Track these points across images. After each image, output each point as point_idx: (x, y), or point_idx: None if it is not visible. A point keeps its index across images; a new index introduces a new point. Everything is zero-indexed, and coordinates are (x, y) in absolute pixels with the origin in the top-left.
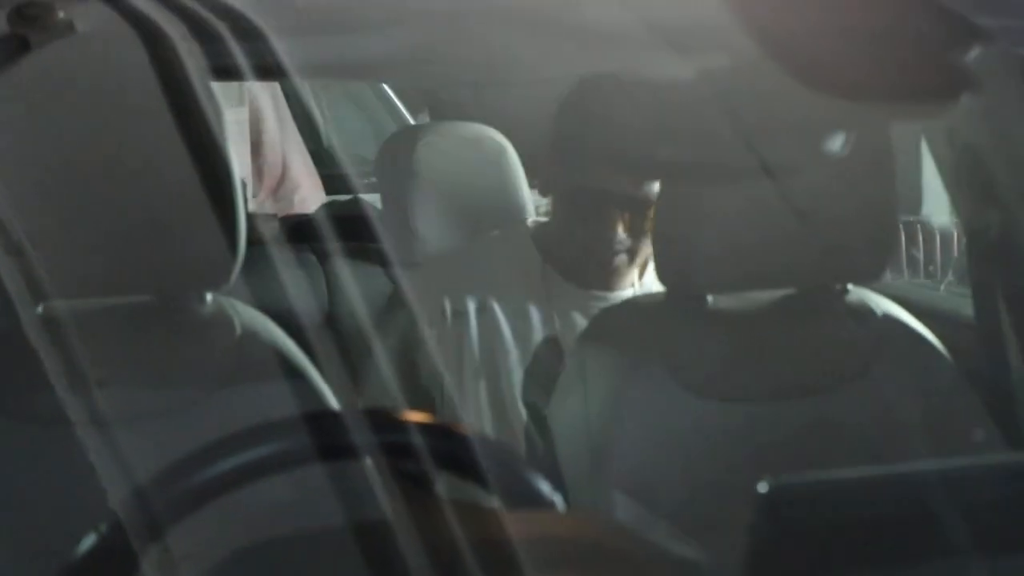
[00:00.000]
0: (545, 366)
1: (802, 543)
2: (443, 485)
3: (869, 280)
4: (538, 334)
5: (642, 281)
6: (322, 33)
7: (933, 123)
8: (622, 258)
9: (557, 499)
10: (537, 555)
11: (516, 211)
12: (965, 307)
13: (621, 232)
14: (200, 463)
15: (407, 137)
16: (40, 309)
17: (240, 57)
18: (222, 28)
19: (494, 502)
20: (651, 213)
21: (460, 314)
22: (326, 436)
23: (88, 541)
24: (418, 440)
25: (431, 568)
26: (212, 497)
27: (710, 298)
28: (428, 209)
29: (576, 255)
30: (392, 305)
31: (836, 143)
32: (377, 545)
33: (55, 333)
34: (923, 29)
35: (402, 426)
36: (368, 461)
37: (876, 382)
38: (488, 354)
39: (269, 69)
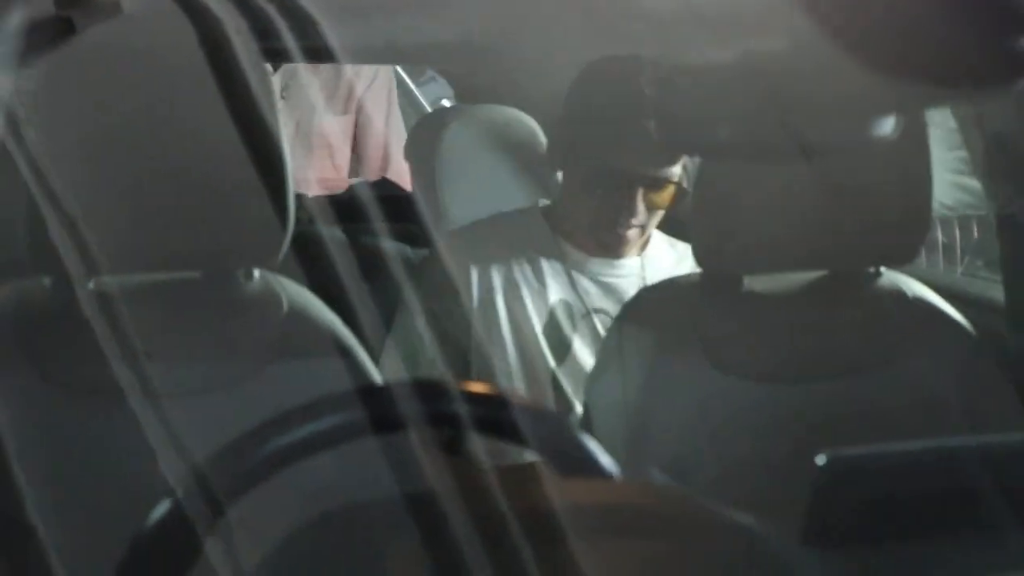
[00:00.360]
0: (558, 327)
1: (859, 514)
2: (498, 454)
3: (902, 263)
4: (554, 297)
5: (645, 251)
6: (366, 16)
7: (964, 108)
8: (635, 231)
9: (612, 466)
10: (596, 522)
11: (542, 192)
12: (984, 289)
13: (641, 207)
14: (262, 437)
15: (437, 120)
16: (92, 284)
17: (290, 39)
18: (271, 9)
19: (550, 470)
20: (668, 190)
21: (486, 282)
22: (383, 408)
23: (160, 510)
24: (473, 410)
25: (488, 537)
26: (273, 471)
27: (745, 279)
28: (456, 188)
29: (588, 227)
30: (421, 278)
31: (874, 126)
32: (432, 516)
33: (107, 307)
34: (973, 12)
35: (457, 396)
36: (423, 432)
37: (909, 363)
38: (515, 320)
39: (318, 51)
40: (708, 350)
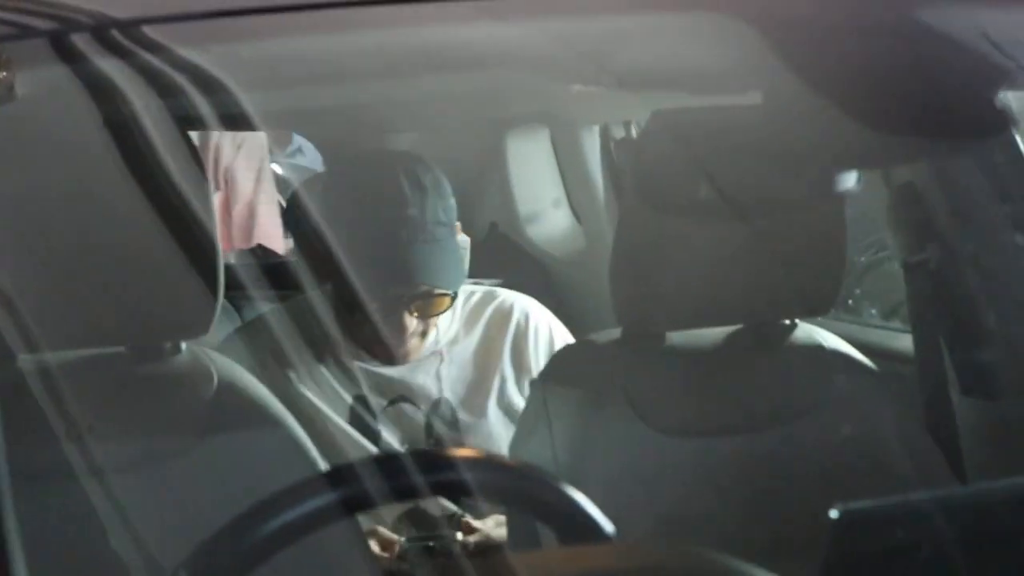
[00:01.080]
0: (361, 419)
1: (874, 568)
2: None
3: (817, 314)
4: (349, 397)
5: (424, 342)
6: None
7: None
8: (414, 341)
9: (611, 528)
10: None
11: None
12: (888, 339)
13: (410, 324)
14: (258, 520)
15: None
16: (19, 361)
17: (206, 109)
18: (183, 81)
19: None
20: (438, 302)
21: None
22: (370, 483)
23: None
24: (472, 477)
25: None
26: (270, 554)
27: (667, 335)
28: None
29: (363, 339)
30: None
31: (794, 181)
32: None
33: (34, 386)
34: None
35: (456, 464)
36: (425, 500)
37: (829, 414)
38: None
39: (233, 119)
40: (634, 406)
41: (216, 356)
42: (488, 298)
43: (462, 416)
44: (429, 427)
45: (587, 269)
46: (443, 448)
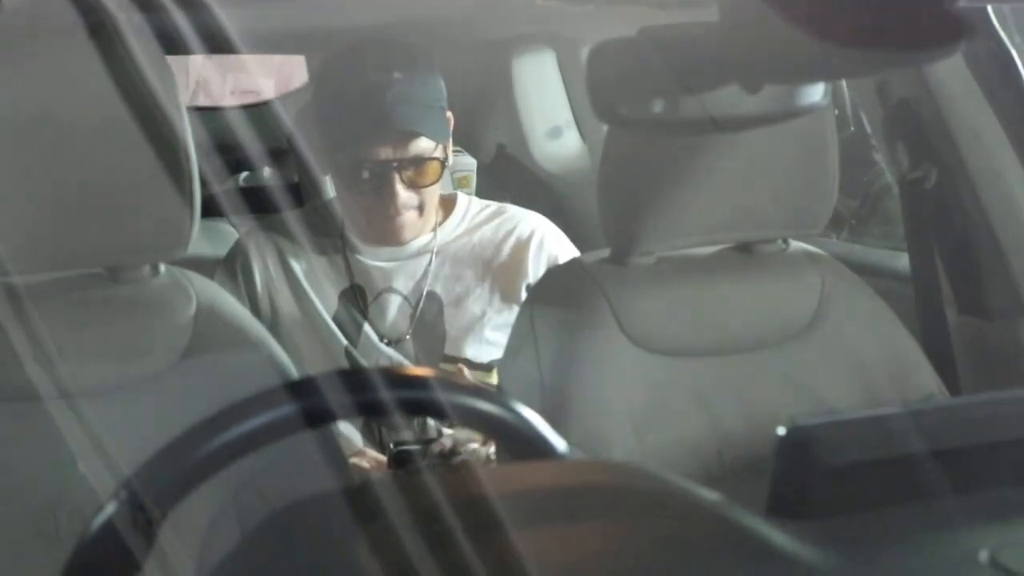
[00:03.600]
0: (349, 312)
1: (823, 483)
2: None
3: (808, 232)
4: (342, 286)
5: (442, 226)
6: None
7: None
8: (410, 214)
9: (564, 446)
10: (556, 505)
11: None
12: (883, 258)
13: (399, 190)
14: (200, 437)
15: None
16: None
17: (188, 30)
18: (167, 4)
19: (500, 453)
20: (429, 166)
21: (269, 275)
22: (320, 401)
23: (103, 515)
24: (417, 394)
25: (439, 527)
26: (213, 470)
27: (656, 254)
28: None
29: (364, 221)
30: (224, 265)
31: (784, 97)
32: (374, 508)
33: (12, 307)
34: None
35: (398, 381)
36: (367, 420)
37: (823, 333)
38: (302, 311)
39: (216, 41)
40: (623, 326)
41: (195, 278)
42: (499, 211)
43: (448, 314)
44: (414, 320)
45: (593, 190)
46: (394, 366)
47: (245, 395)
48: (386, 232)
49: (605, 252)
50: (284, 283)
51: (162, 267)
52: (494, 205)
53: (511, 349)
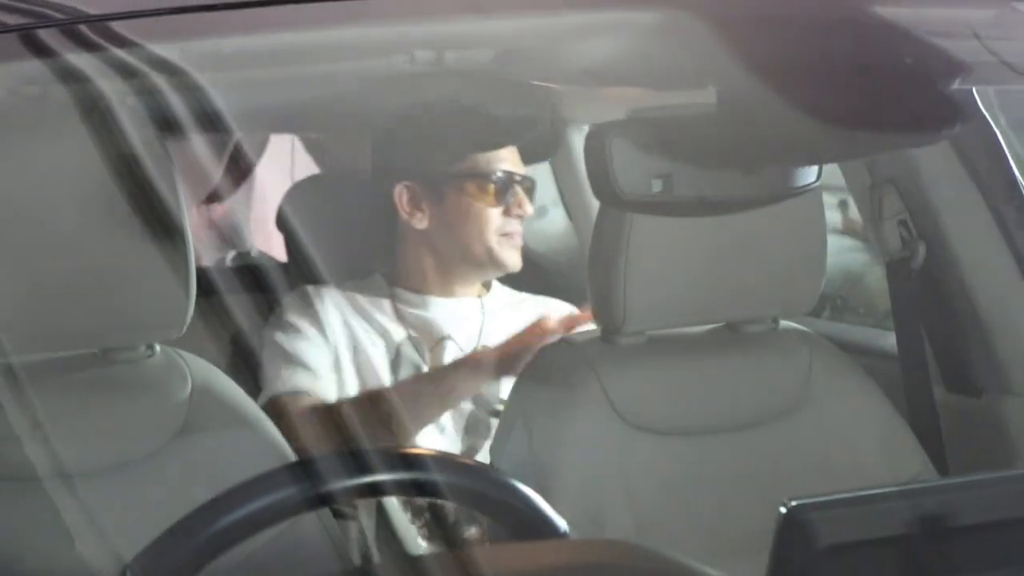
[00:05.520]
0: (409, 360)
1: (823, 561)
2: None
3: (797, 312)
4: (398, 337)
5: (491, 291)
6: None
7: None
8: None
9: (564, 525)
10: None
11: None
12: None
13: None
14: (210, 516)
15: (306, 188)
16: None
17: (184, 110)
18: (162, 82)
19: (505, 534)
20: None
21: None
22: (331, 480)
23: None
24: (420, 476)
25: None
26: (221, 550)
27: (647, 333)
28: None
29: (460, 256)
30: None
31: (778, 179)
32: None
33: (9, 388)
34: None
35: (401, 462)
36: (382, 499)
37: (813, 411)
38: (363, 374)
39: (213, 122)
40: (614, 405)
41: (190, 358)
42: (536, 299)
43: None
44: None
45: (580, 269)
46: (396, 447)
47: (240, 475)
48: (490, 260)
49: (595, 331)
50: (348, 351)
51: (157, 347)
52: (509, 290)
53: (503, 429)
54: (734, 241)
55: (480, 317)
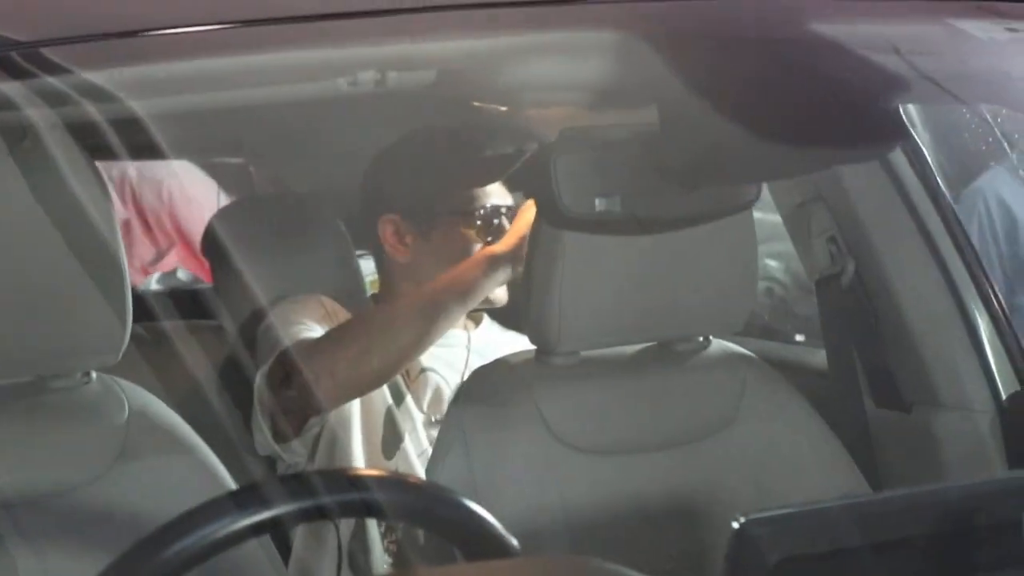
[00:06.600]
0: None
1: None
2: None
3: (728, 331)
4: None
5: (475, 329)
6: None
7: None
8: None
9: (515, 544)
10: None
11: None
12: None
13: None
14: (164, 540)
15: (239, 212)
16: None
17: (114, 138)
18: (94, 112)
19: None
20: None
21: None
22: (287, 501)
23: None
24: (371, 496)
25: None
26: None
27: (580, 353)
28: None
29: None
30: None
31: (708, 199)
32: None
33: None
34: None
35: (352, 483)
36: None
37: (745, 428)
38: None
39: (143, 149)
40: (548, 425)
41: (126, 384)
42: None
43: None
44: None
45: (516, 289)
46: (346, 469)
47: (179, 501)
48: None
49: (530, 352)
50: None
51: (93, 374)
52: (498, 325)
53: (441, 448)
54: (667, 260)
55: (465, 353)
